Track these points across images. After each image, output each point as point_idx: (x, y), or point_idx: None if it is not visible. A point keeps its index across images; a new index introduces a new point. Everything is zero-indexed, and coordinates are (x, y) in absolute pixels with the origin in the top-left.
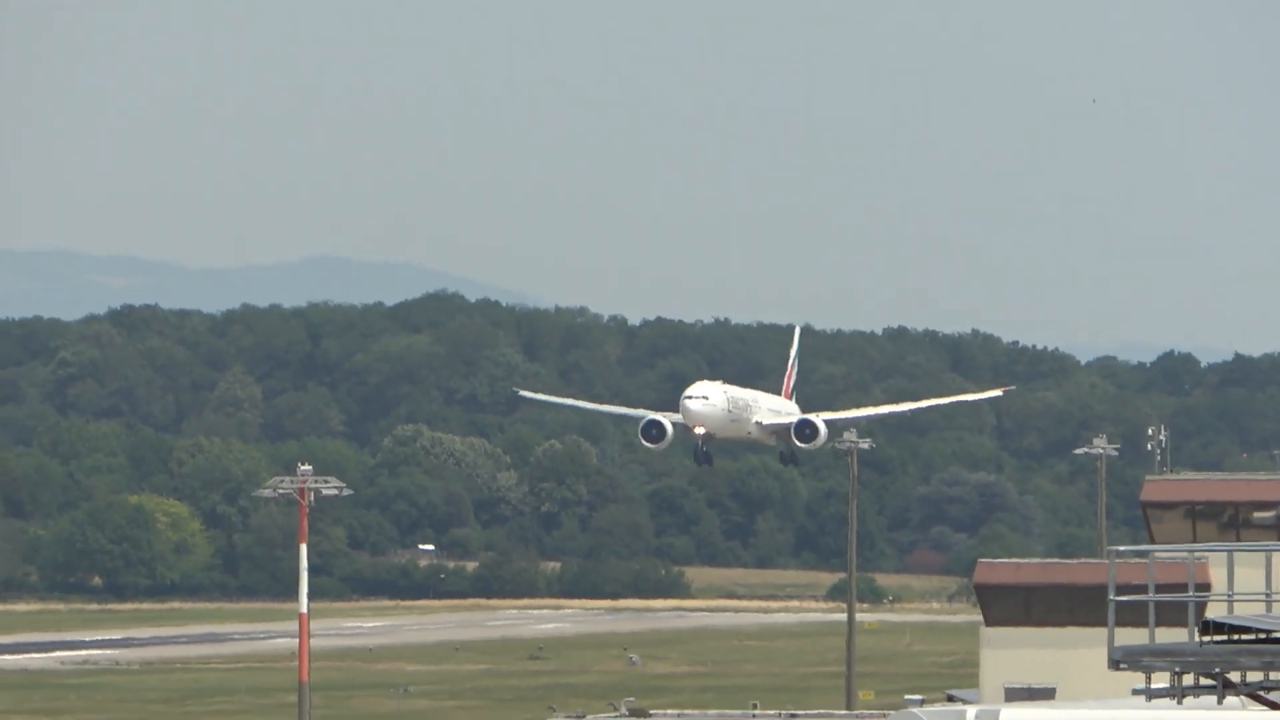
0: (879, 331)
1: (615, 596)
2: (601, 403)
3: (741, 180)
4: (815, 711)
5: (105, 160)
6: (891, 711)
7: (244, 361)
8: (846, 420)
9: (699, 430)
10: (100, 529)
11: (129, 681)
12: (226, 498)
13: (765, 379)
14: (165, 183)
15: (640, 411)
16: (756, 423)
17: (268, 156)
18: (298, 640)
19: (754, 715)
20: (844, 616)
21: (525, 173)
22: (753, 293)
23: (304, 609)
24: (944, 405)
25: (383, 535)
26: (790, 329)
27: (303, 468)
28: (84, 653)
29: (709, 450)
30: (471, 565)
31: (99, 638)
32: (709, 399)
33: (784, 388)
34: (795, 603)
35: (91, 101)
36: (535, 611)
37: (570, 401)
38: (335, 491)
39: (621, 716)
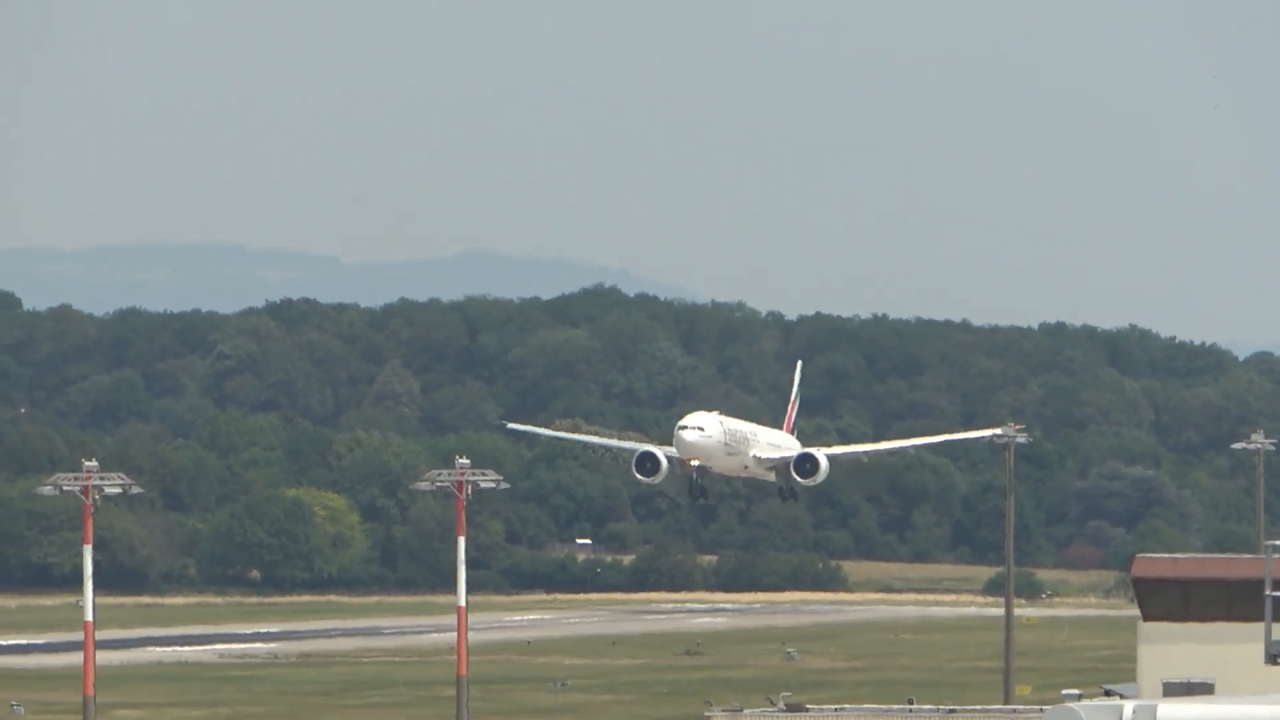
0: (1035, 326)
1: (772, 590)
2: (758, 396)
3: (899, 176)
4: (973, 707)
5: (263, 154)
6: (1049, 706)
7: (402, 355)
8: (847, 455)
9: (694, 463)
10: (258, 522)
11: (287, 674)
12: (385, 491)
13: (923, 374)
14: (324, 177)
15: (632, 444)
16: (754, 456)
17: (425, 151)
18: (455, 634)
19: (911, 710)
20: (1001, 611)
21: (683, 168)
22: (911, 288)
23: (462, 602)
24: (954, 441)
25: (540, 529)
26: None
27: (460, 461)
28: (242, 646)
29: (704, 484)
30: (628, 559)
31: (257, 631)
32: (705, 430)
33: (786, 422)
34: (952, 597)
35: (252, 97)
36: (692, 605)
37: (561, 434)
38: (493, 485)
39: (778, 711)
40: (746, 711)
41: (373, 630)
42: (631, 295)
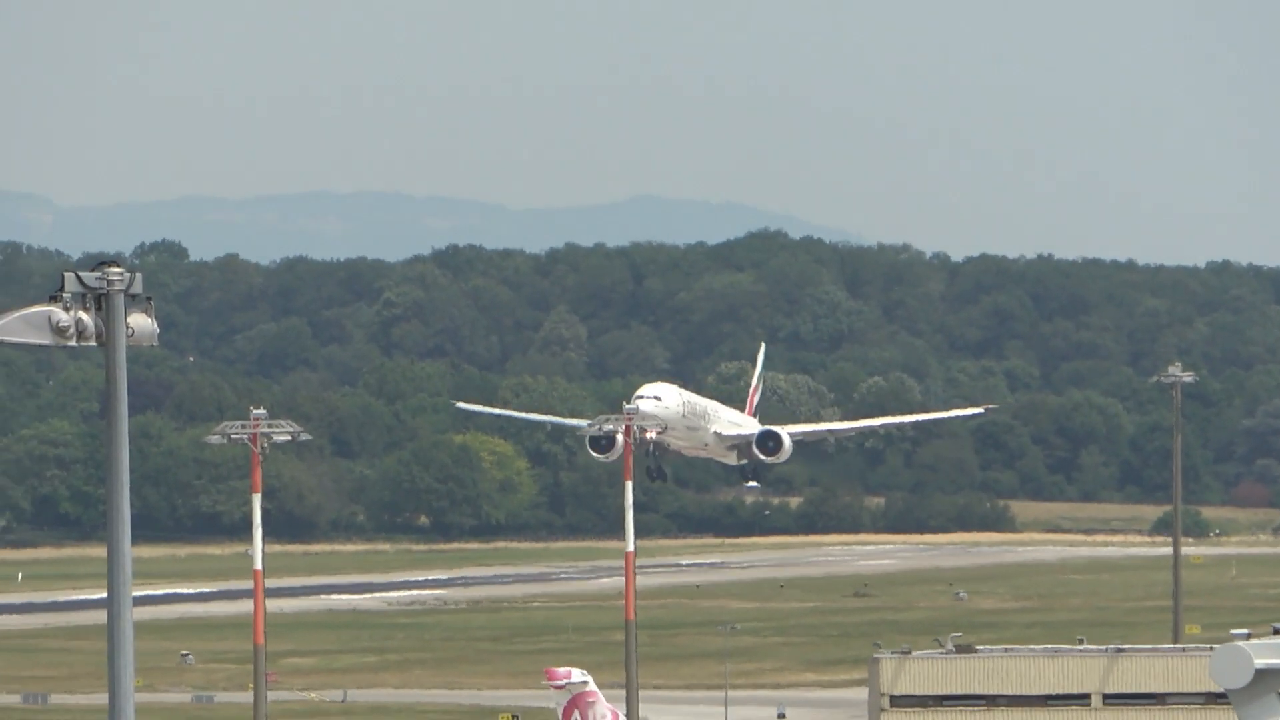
0: (1201, 265)
1: (940, 531)
2: (923, 339)
3: (1065, 117)
4: (1141, 645)
5: (430, 103)
6: (1217, 645)
7: (568, 300)
8: (811, 433)
9: (651, 434)
10: (426, 469)
11: (456, 621)
12: (552, 436)
13: (1089, 314)
14: (487, 124)
15: (581, 422)
16: (715, 433)
17: (589, 96)
18: (624, 578)
19: (1081, 649)
20: (1169, 550)
21: (847, 108)
22: (1077, 227)
23: (630, 547)
24: (925, 421)
25: (708, 473)
26: None
27: (628, 405)
28: (411, 593)
29: (661, 464)
30: (796, 501)
31: (426, 578)
32: (663, 400)
33: (748, 404)
34: (1120, 537)
35: (417, 45)
36: (860, 548)
37: (511, 413)
38: (659, 429)
39: (948, 653)
40: (915, 653)
41: (541, 576)
42: (797, 239)
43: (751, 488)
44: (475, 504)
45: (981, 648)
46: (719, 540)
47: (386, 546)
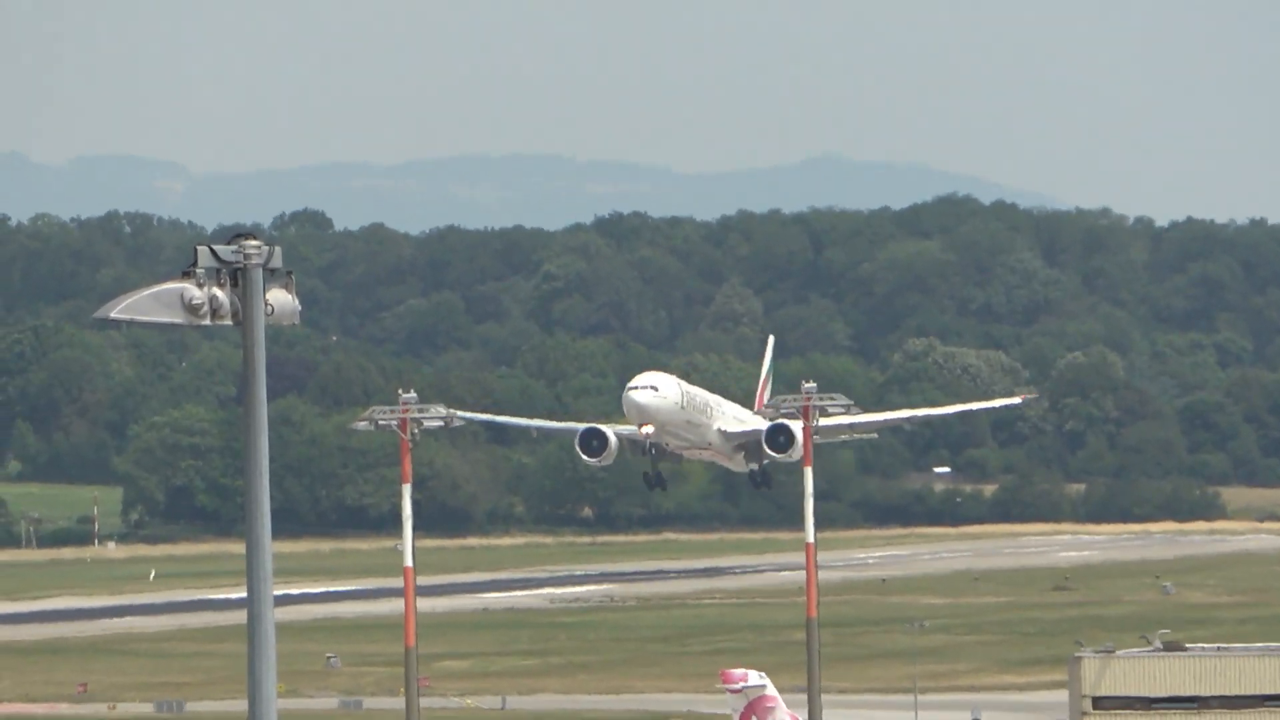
0: None
1: (1146, 520)
2: (1126, 309)
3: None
4: None
5: (588, 60)
6: None
7: (741, 272)
8: (828, 427)
9: (646, 430)
10: None
11: (623, 619)
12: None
13: None
14: (652, 83)
15: (571, 425)
16: (719, 431)
17: (764, 53)
18: (804, 572)
19: None
20: None
21: (1036, 65)
22: None
23: (810, 538)
24: (939, 416)
25: (895, 458)
26: None
27: (806, 385)
28: (574, 589)
29: (660, 469)
30: (990, 488)
31: (590, 573)
32: (660, 390)
33: (756, 401)
34: None
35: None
36: (1059, 538)
37: (502, 419)
38: (841, 410)
39: (1154, 651)
40: (1120, 652)
41: (714, 570)
42: (988, 203)
43: (942, 473)
44: (643, 494)
45: (1191, 646)
46: (906, 530)
47: (547, 540)
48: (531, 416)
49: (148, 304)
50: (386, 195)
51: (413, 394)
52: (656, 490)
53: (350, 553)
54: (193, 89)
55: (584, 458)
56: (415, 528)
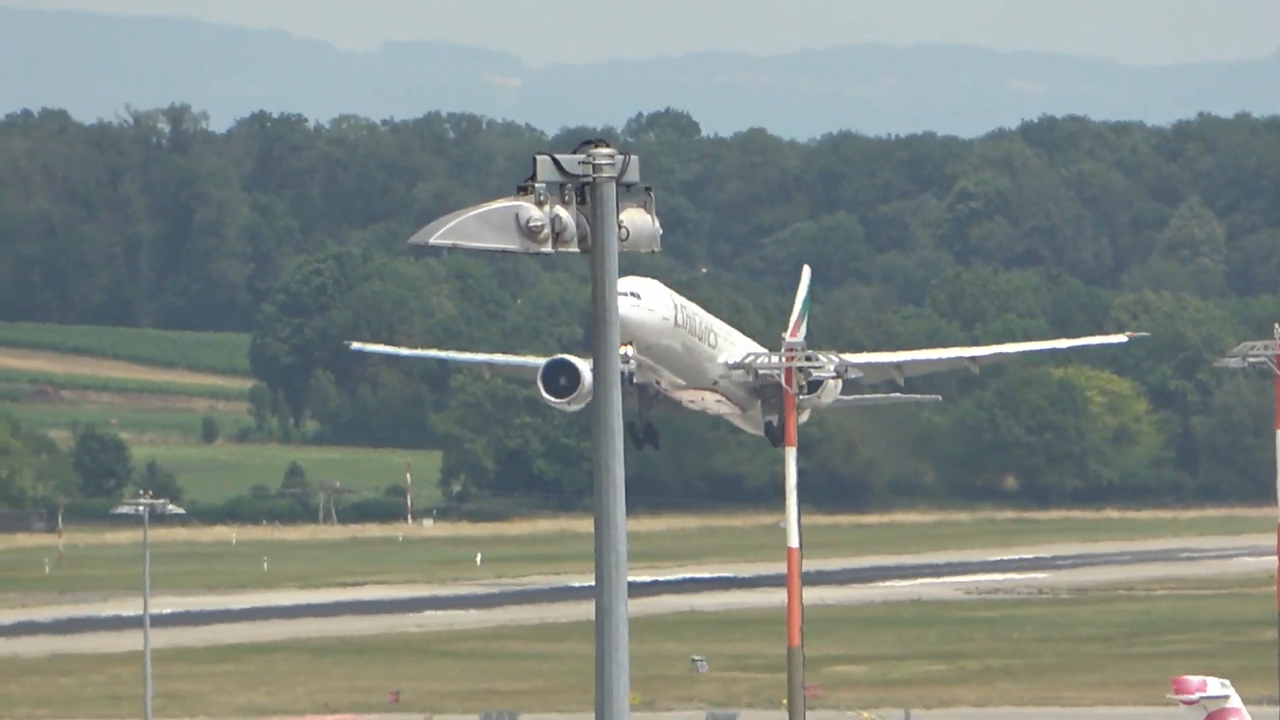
0: None
1: None
2: None
3: None
4: None
5: None
6: None
7: (1202, 190)
8: (866, 365)
9: (624, 350)
10: (1014, 414)
11: (1054, 614)
12: (1181, 370)
13: None
14: None
15: (529, 360)
16: (728, 364)
17: None
18: (1276, 558)
19: None
20: None
21: None
22: None
23: None
24: (1010, 354)
25: None
26: None
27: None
28: (994, 577)
29: (651, 422)
30: None
31: (1014, 557)
32: (643, 299)
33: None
34: None
35: None
36: None
37: (411, 352)
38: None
39: None
40: None
41: (1167, 554)
42: None
43: None
44: (1079, 460)
45: None
46: None
47: (962, 516)
48: (948, 373)
49: (476, 226)
50: (766, 93)
51: (800, 339)
52: (646, 447)
53: (722, 531)
54: None
55: (548, 398)
56: (801, 501)
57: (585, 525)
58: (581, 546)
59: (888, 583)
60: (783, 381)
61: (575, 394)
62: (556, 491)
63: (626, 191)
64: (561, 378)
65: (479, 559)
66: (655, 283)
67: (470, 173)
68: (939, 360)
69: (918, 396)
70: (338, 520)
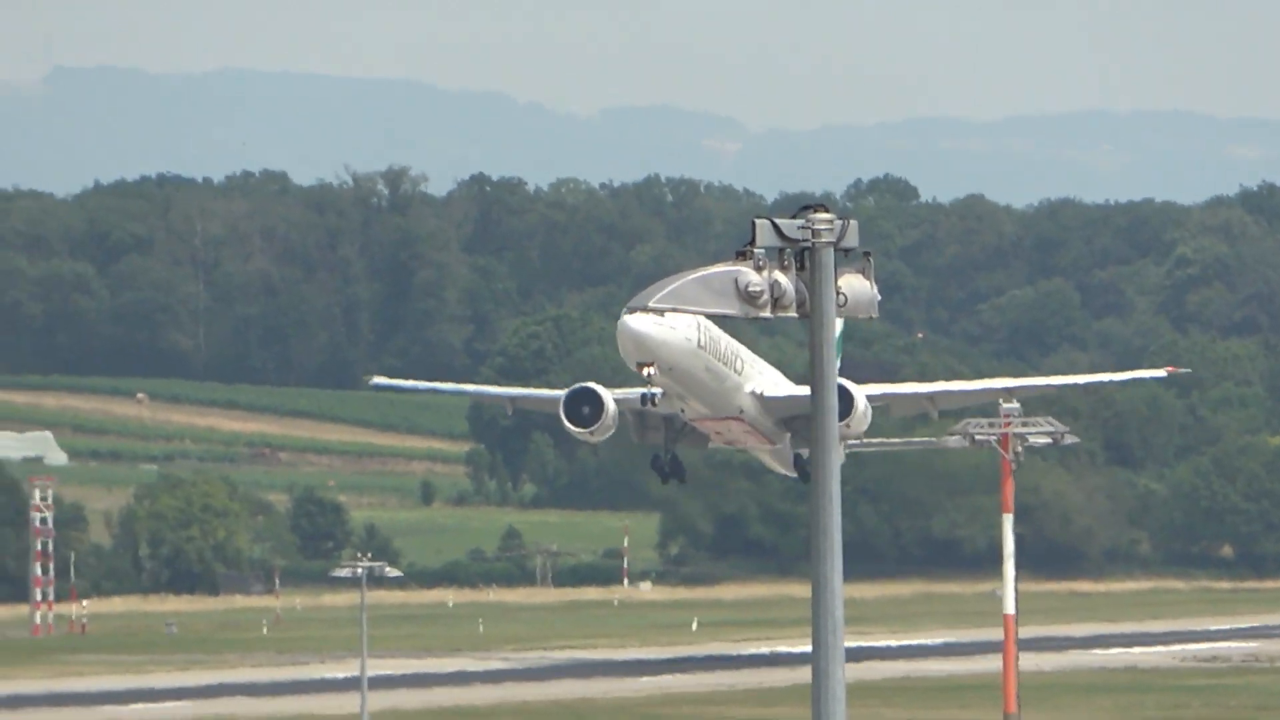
0: None
1: None
2: None
3: None
4: None
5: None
6: None
7: None
8: (895, 396)
9: (647, 371)
10: (1231, 481)
11: (1270, 682)
12: None
13: None
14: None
15: (544, 392)
16: (753, 394)
17: None
18: None
19: None
20: None
21: None
22: None
23: None
24: (1043, 387)
25: None
26: None
27: (1006, 405)
28: (1212, 645)
29: (676, 454)
30: None
31: (1231, 626)
32: (664, 315)
33: None
34: None
35: None
36: None
37: (430, 385)
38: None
39: None
40: None
41: None
42: None
43: None
44: None
45: None
46: None
47: (1179, 584)
48: (1159, 435)
49: (695, 290)
50: (984, 159)
51: (1015, 404)
52: (671, 482)
53: (938, 597)
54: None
55: (570, 428)
56: (1018, 567)
57: (802, 590)
58: (798, 611)
59: (1104, 650)
60: (1000, 448)
61: (599, 424)
62: (773, 556)
63: (845, 257)
64: (584, 407)
65: (695, 624)
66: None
67: (688, 236)
68: (971, 392)
69: (948, 441)
70: (554, 583)
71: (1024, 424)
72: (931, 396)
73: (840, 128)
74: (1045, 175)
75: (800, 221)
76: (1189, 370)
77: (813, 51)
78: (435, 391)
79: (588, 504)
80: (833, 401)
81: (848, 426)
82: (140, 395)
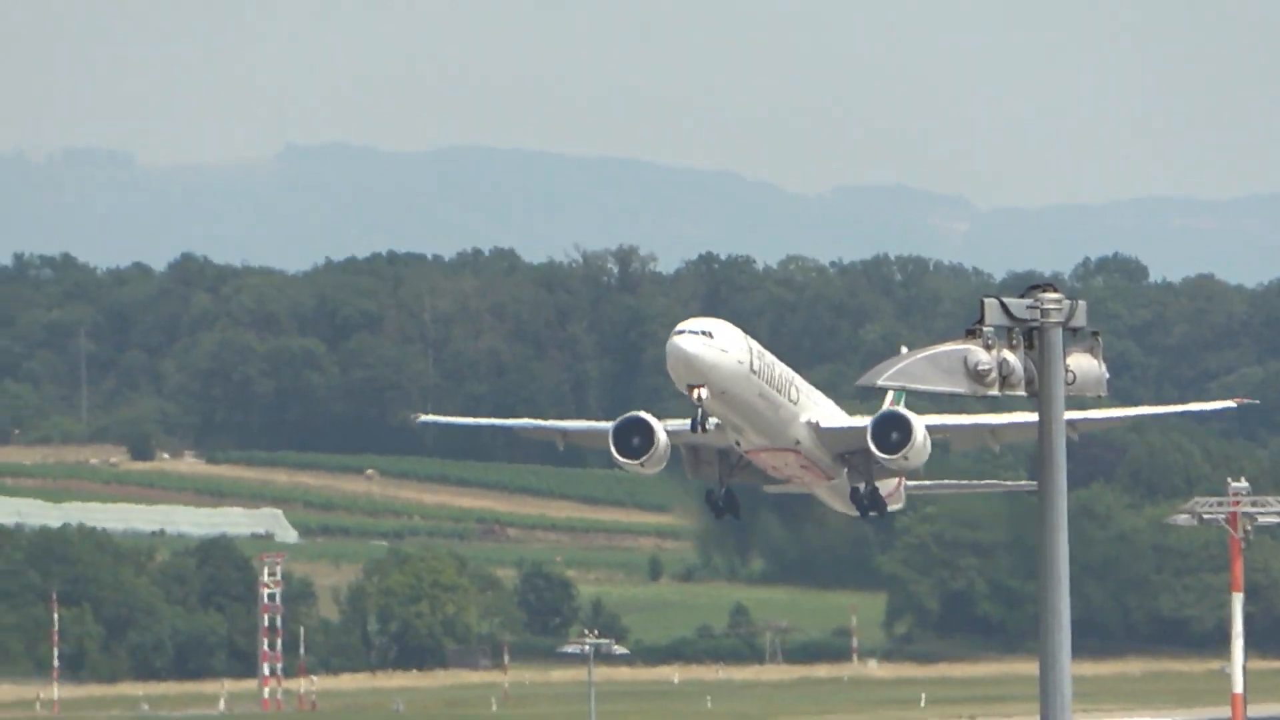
0: None
1: None
2: None
3: None
4: None
5: None
6: None
7: None
8: (954, 429)
9: (698, 394)
10: None
11: None
12: None
13: None
14: None
15: (587, 424)
16: (808, 422)
17: None
18: None
19: None
20: None
21: None
22: None
23: None
24: (1104, 420)
25: None
26: None
27: (1234, 485)
28: None
29: (732, 490)
30: None
31: None
32: (716, 338)
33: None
34: None
35: None
36: None
37: (477, 421)
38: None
39: None
40: None
41: None
42: None
43: None
44: None
45: None
46: None
47: None
48: None
49: (924, 369)
50: (1215, 238)
51: (1244, 483)
52: (725, 516)
53: (1166, 675)
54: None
55: (620, 459)
56: (1247, 646)
57: (1029, 667)
58: (1025, 689)
59: None
60: (1229, 526)
61: (649, 455)
62: (1000, 633)
63: (1074, 336)
64: (635, 438)
65: (923, 701)
66: (728, 324)
67: (917, 314)
68: (1028, 425)
69: (1021, 484)
70: (784, 660)
71: (1253, 503)
72: (994, 430)
73: (1069, 206)
74: (1277, 253)
75: (1029, 301)
76: (1253, 400)
77: (1043, 130)
78: (481, 426)
79: (815, 581)
80: (1062, 483)
81: (905, 459)
82: (370, 471)
